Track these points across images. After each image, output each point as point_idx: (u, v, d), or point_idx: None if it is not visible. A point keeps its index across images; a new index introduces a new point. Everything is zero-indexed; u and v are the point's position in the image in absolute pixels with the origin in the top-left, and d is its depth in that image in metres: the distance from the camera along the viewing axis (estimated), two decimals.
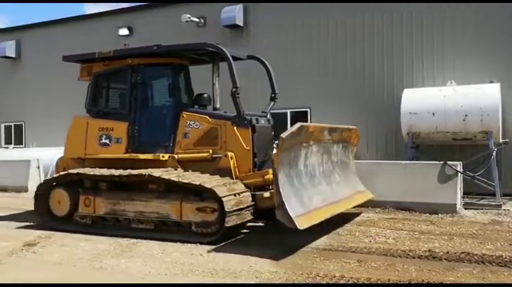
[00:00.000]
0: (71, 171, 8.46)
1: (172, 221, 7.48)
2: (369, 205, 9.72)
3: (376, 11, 13.21)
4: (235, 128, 7.92)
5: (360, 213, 9.30)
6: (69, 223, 8.33)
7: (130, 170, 7.89)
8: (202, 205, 7.20)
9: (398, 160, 11.57)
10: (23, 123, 19.35)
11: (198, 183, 7.17)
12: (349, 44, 13.55)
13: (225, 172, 7.75)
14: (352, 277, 5.32)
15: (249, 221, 7.44)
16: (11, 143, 19.32)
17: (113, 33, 16.74)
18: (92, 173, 8.20)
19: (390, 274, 5.49)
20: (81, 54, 9.45)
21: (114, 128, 8.69)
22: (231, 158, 7.84)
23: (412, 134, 11.48)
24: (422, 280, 5.21)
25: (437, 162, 9.71)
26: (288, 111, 14.21)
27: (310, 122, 13.83)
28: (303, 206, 6.80)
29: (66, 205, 8.35)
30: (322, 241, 7.07)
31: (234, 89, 7.83)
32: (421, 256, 6.21)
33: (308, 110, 13.97)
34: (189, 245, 6.93)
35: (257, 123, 8.15)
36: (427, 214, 9.13)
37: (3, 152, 17.48)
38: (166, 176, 7.48)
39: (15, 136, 19.55)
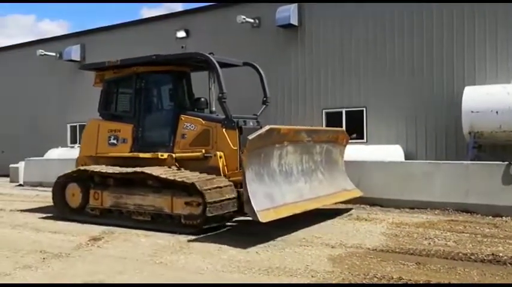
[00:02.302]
0: (77, 169, 9.54)
1: (165, 213, 8.21)
2: (427, 206, 9.50)
3: (434, 6, 12.81)
4: (224, 129, 8.58)
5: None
6: (82, 214, 9.23)
7: (124, 168, 8.75)
8: (190, 199, 7.89)
9: (459, 160, 11.17)
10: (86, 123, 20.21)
11: (180, 179, 7.89)
12: (407, 40, 13.22)
13: (214, 170, 8.40)
14: (410, 280, 5.22)
15: (230, 212, 7.89)
16: (76, 143, 20.30)
17: (171, 36, 17.22)
18: (92, 170, 9.10)
19: (451, 277, 5.33)
20: (94, 63, 10.50)
21: (121, 129, 9.61)
22: (220, 157, 8.51)
23: (474, 134, 11.06)
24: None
25: (501, 162, 9.29)
26: (343, 110, 14.09)
27: (366, 121, 13.63)
28: (272, 201, 7.34)
29: (79, 198, 9.30)
30: (379, 243, 6.97)
31: (220, 95, 8.55)
32: (484, 259, 5.98)
33: (364, 109, 13.77)
34: (245, 242, 7.04)
35: (244, 125, 8.80)
36: (490, 217, 8.77)
37: (68, 151, 18.42)
38: (148, 171, 8.26)
39: (80, 136, 20.47)
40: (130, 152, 9.38)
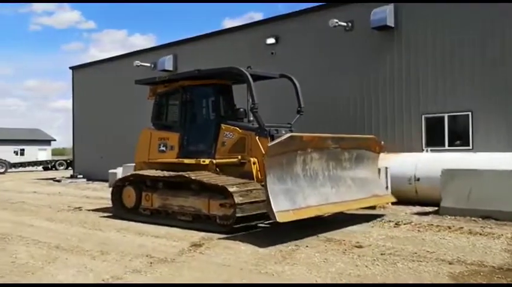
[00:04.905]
0: (126, 175, 10.80)
1: (204, 214, 8.90)
2: None
3: None
4: (257, 137, 9.23)
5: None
6: (136, 214, 10.09)
7: (170, 172, 9.59)
8: (224, 202, 8.48)
9: None
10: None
11: (214, 183, 8.56)
12: None
13: (248, 175, 9.01)
14: None
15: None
16: None
17: (260, 43, 17.22)
18: (141, 174, 10.18)
19: None
20: (146, 78, 11.81)
21: (169, 138, 10.57)
22: (254, 163, 9.11)
23: None
24: None
25: None
26: (446, 115, 13.17)
27: (472, 127, 12.61)
28: (293, 203, 7.69)
29: (133, 199, 10.23)
30: (504, 260, 6.25)
31: (252, 106, 9.27)
32: None
33: (469, 113, 12.74)
34: (351, 255, 6.64)
35: (276, 133, 9.34)
36: None
37: None
38: (186, 175, 9.04)
39: None
40: (177, 158, 10.24)
